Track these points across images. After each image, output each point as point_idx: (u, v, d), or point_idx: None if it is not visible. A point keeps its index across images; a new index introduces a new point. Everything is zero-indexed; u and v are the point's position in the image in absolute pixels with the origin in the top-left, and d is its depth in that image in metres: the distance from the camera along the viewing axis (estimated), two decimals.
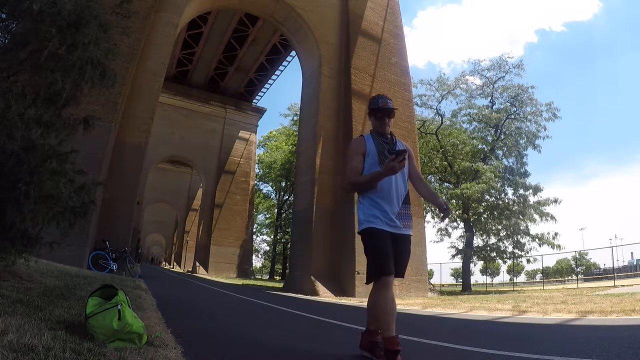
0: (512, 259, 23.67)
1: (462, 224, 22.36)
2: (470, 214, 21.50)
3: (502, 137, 22.84)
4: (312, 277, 11.82)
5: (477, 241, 21.97)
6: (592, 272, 40.60)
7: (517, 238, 20.83)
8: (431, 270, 23.23)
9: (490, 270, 32.17)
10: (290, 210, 27.92)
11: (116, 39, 4.56)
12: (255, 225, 35.78)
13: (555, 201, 20.69)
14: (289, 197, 31.45)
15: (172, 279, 16.30)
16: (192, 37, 25.78)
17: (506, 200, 21.46)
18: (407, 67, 16.37)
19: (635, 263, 45.07)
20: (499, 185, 20.88)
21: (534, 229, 20.93)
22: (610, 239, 75.60)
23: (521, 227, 20.75)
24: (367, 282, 2.41)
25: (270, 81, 31.41)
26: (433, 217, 23.44)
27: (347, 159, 2.54)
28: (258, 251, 40.74)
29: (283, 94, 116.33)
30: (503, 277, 41.06)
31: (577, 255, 28.42)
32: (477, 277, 45.11)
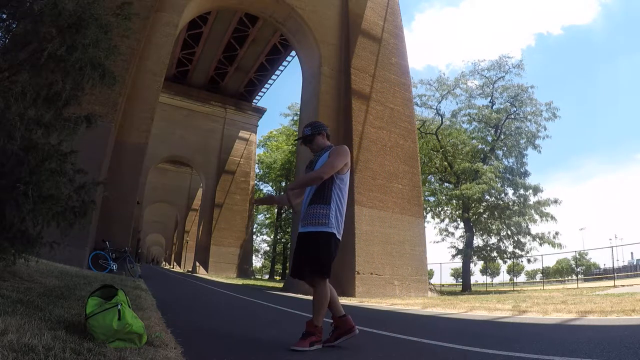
0: (512, 259, 23.67)
1: (462, 224, 22.37)
2: (471, 213, 21.49)
3: (502, 137, 22.83)
4: None
5: (478, 241, 21.98)
6: (592, 272, 40.65)
7: (517, 238, 20.82)
8: (431, 270, 23.25)
9: (490, 270, 32.17)
10: (290, 211, 27.91)
11: (116, 40, 4.56)
12: (255, 225, 35.79)
13: (556, 201, 20.69)
14: None
15: (172, 279, 16.30)
16: (192, 37, 25.78)
17: (506, 200, 21.46)
18: (407, 67, 16.37)
19: (635, 263, 45.13)
20: (499, 185, 20.87)
21: (534, 229, 20.95)
22: (610, 239, 75.60)
23: (522, 226, 20.74)
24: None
25: (270, 81, 31.44)
26: (433, 218, 23.49)
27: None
28: (258, 251, 40.73)
29: (283, 94, 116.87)
30: (503, 277, 41.11)
31: (577, 255, 28.46)
32: (477, 277, 45.17)
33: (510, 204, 21.34)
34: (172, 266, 45.81)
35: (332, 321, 2.80)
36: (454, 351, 2.81)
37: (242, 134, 33.25)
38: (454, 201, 22.05)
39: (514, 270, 36.64)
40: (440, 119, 23.78)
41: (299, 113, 19.57)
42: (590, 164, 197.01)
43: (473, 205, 21.29)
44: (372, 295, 11.13)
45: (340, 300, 2.85)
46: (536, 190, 21.15)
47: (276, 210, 33.64)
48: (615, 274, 20.71)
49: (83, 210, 3.63)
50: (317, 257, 2.65)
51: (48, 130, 3.46)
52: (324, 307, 2.68)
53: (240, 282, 18.97)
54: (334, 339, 2.75)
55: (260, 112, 34.83)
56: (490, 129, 23.16)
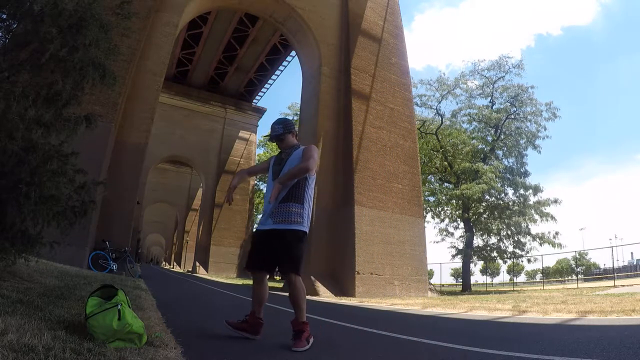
0: (512, 259, 23.66)
1: (462, 224, 22.36)
2: (471, 213, 21.49)
3: (502, 137, 22.82)
4: (312, 277, 11.82)
5: (478, 241, 21.97)
6: (592, 272, 40.65)
7: (517, 238, 20.81)
8: (431, 270, 23.26)
9: (490, 270, 32.16)
10: None
11: (116, 40, 4.56)
12: (255, 226, 35.78)
13: (556, 201, 20.68)
14: None
15: (172, 279, 16.30)
16: (192, 37, 25.77)
17: (506, 200, 21.46)
18: (407, 67, 16.36)
19: (635, 263, 45.15)
20: (499, 185, 20.87)
21: (534, 229, 20.93)
22: (610, 239, 75.61)
23: (522, 226, 20.73)
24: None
25: (270, 81, 31.42)
26: (433, 218, 23.49)
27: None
28: None
29: (283, 94, 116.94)
30: (503, 277, 41.16)
31: (577, 255, 28.46)
32: (477, 277, 45.13)
33: (510, 204, 21.33)
34: (172, 266, 45.82)
35: (250, 314, 2.94)
36: (454, 351, 2.81)
37: (242, 134, 33.24)
38: (454, 201, 22.05)
39: (514, 270, 36.66)
40: (440, 119, 23.78)
41: (299, 113, 19.58)
42: (590, 164, 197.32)
43: (473, 205, 21.28)
44: (372, 295, 11.13)
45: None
46: (536, 190, 21.15)
47: None
48: (615, 274, 20.72)
49: (83, 210, 3.64)
50: (295, 255, 2.82)
51: (48, 130, 3.46)
52: (303, 300, 2.83)
53: (240, 282, 18.97)
54: (236, 327, 2.91)
55: (260, 112, 34.82)
56: (490, 129, 23.16)
